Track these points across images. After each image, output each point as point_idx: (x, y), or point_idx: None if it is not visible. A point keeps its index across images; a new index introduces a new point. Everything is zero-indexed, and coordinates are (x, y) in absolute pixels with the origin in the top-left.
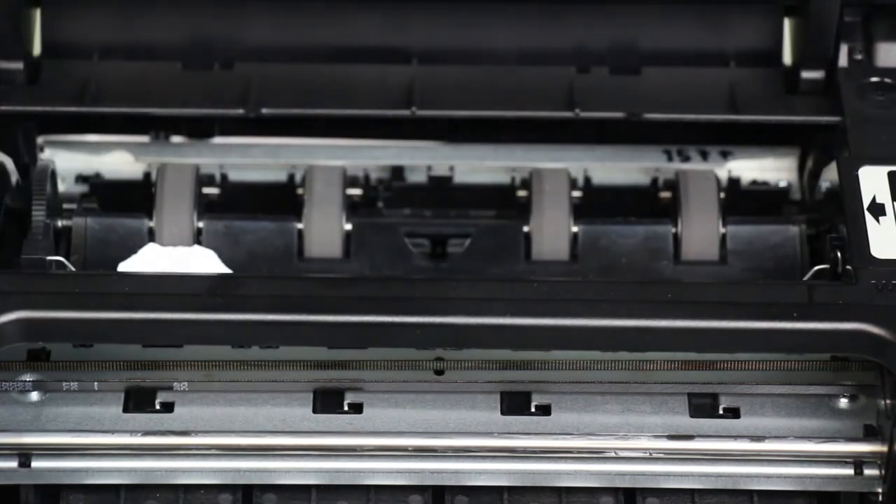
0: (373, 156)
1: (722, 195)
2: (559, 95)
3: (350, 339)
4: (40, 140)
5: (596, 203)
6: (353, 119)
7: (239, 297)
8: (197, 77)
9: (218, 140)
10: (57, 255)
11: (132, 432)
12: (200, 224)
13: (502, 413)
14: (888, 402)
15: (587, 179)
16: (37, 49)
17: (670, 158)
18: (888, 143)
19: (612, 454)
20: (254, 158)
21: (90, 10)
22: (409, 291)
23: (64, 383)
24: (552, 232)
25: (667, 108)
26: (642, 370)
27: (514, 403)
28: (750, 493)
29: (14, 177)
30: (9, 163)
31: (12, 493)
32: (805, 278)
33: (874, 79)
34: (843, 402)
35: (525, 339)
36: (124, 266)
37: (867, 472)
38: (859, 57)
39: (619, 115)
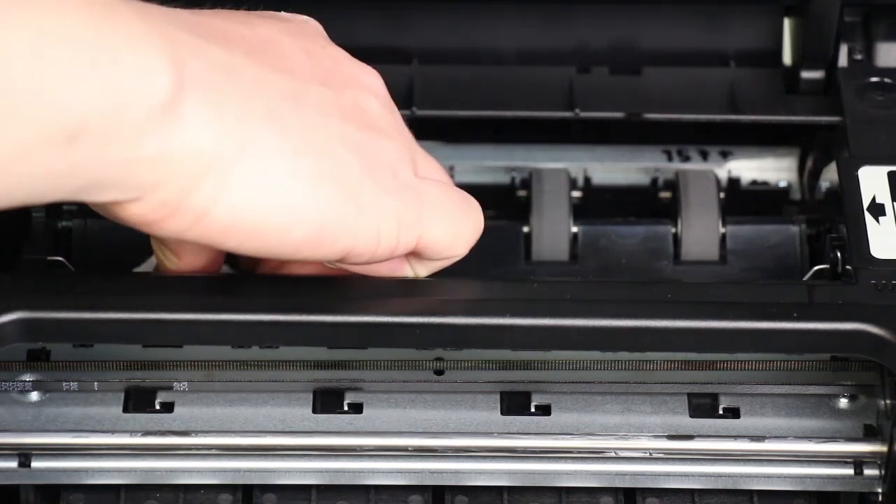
0: None
1: (722, 195)
2: (559, 95)
3: (350, 339)
4: None
5: (596, 203)
6: None
7: (239, 297)
8: None
9: None
10: (57, 255)
11: (132, 432)
12: None
13: (502, 413)
14: (888, 402)
15: (587, 179)
16: None
17: (670, 158)
18: (888, 143)
19: (612, 454)
20: None
21: None
22: (408, 291)
23: (64, 383)
24: (552, 232)
25: (667, 108)
26: (642, 370)
27: (514, 403)
28: (750, 493)
29: None
30: None
31: (12, 493)
32: (805, 278)
33: (874, 79)
34: (843, 402)
35: (525, 339)
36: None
37: (867, 472)
38: (859, 57)
39: (619, 115)
